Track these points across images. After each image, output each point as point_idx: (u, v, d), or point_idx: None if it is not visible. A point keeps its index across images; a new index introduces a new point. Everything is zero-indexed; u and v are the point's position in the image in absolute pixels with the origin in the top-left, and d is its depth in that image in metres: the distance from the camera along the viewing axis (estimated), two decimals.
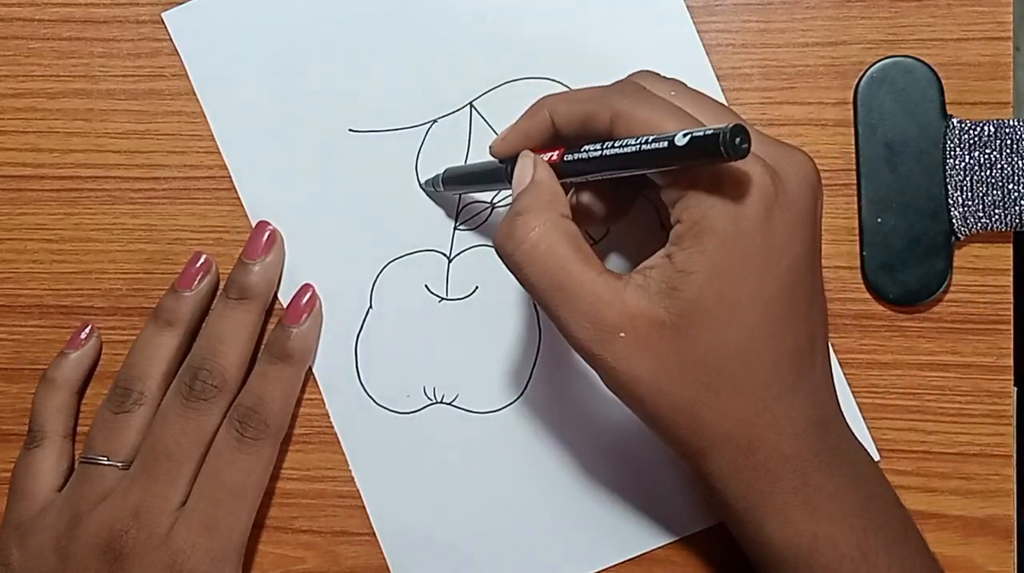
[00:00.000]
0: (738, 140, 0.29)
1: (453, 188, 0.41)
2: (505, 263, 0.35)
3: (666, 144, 0.31)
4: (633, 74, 0.37)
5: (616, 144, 0.33)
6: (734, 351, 0.33)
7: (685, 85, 0.36)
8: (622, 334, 0.33)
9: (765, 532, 0.34)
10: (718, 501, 0.35)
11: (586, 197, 0.38)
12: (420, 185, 0.42)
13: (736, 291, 0.32)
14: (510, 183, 0.37)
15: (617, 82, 0.36)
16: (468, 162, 0.42)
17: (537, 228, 0.34)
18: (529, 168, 0.35)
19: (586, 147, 0.35)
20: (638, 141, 0.32)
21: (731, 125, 0.29)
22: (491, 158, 0.39)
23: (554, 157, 0.36)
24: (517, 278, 0.34)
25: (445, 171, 0.41)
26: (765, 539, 0.35)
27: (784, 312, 0.33)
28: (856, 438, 0.36)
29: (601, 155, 0.34)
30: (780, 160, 0.33)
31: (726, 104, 0.39)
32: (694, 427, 0.34)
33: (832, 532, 0.34)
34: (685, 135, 0.31)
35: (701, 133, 0.30)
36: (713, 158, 0.30)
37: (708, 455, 0.34)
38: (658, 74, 0.37)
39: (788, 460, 0.34)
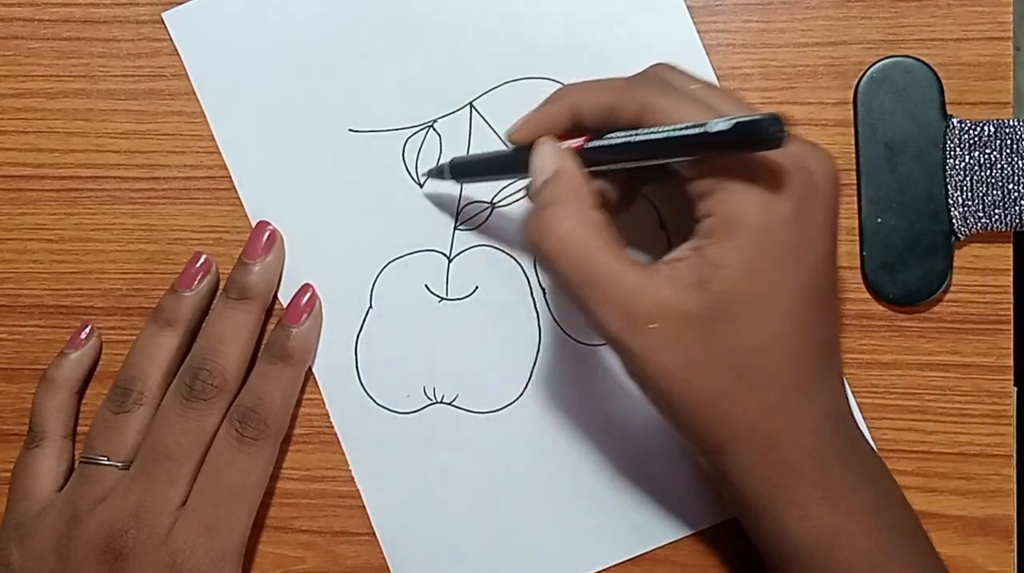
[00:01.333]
0: (777, 128, 0.29)
1: (464, 178, 0.41)
2: (535, 255, 0.34)
3: (702, 131, 0.31)
4: (653, 67, 0.37)
5: (648, 131, 0.33)
6: (762, 345, 0.33)
7: (703, 80, 0.36)
8: (653, 325, 0.33)
9: (784, 526, 0.34)
10: (736, 496, 0.35)
11: (598, 186, 0.37)
12: (416, 180, 0.42)
13: (767, 286, 0.32)
14: (526, 172, 0.36)
15: (640, 74, 0.36)
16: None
17: (567, 221, 0.34)
18: (550, 156, 0.35)
19: (613, 135, 0.34)
20: (671, 128, 0.32)
21: (770, 113, 0.29)
22: (503, 147, 0.39)
23: (578, 144, 0.35)
24: (546, 270, 0.35)
25: (452, 160, 0.41)
26: (783, 533, 0.34)
27: (812, 307, 0.33)
28: (864, 435, 0.36)
29: (630, 142, 0.33)
30: (806, 156, 0.33)
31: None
32: (718, 421, 0.34)
33: (851, 528, 0.34)
34: (729, 120, 0.30)
35: (745, 119, 0.30)
36: (751, 146, 0.30)
37: (730, 450, 0.34)
38: (677, 67, 0.36)
39: (809, 454, 0.34)
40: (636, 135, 0.33)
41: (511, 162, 0.38)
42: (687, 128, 0.32)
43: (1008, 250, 0.41)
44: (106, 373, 0.44)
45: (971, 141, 0.40)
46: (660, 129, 0.32)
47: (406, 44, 0.43)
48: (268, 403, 0.40)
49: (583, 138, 0.35)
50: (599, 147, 0.34)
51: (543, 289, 0.42)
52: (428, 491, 0.43)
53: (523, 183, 0.42)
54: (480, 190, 0.42)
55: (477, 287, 0.43)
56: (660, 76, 0.35)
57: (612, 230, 0.34)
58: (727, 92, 0.35)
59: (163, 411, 0.40)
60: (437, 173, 0.41)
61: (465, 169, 0.40)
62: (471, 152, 0.42)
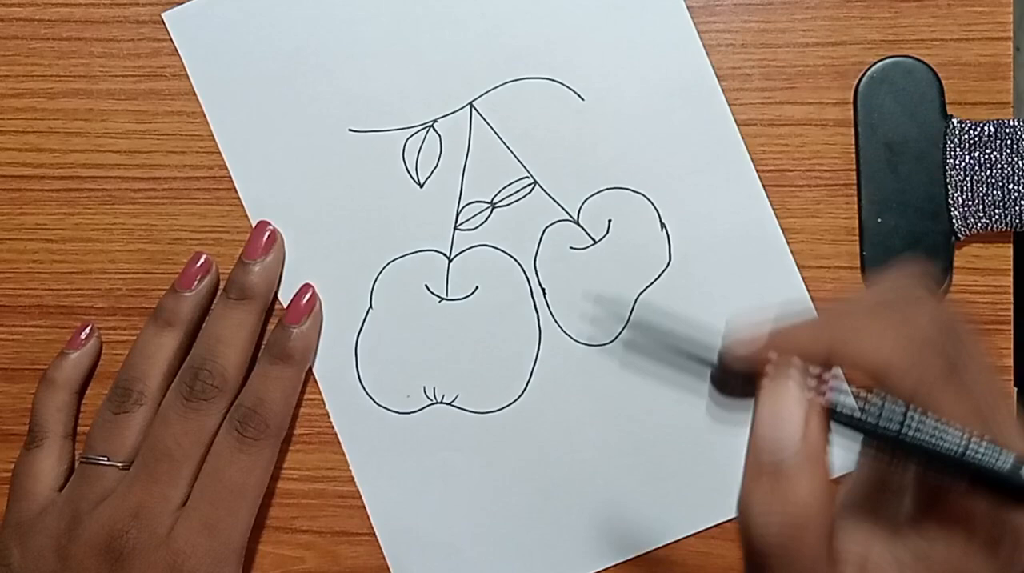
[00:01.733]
0: None
1: (638, 338, 0.29)
2: (744, 524, 0.27)
3: (1004, 469, 0.25)
4: (942, 313, 0.28)
5: (925, 434, 0.26)
6: None
7: (983, 357, 0.28)
8: None
9: None
10: None
11: None
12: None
13: None
14: (713, 384, 0.29)
15: (932, 329, 0.27)
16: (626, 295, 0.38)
17: (809, 515, 0.26)
18: (800, 413, 0.27)
19: (875, 409, 0.26)
20: (964, 446, 0.26)
21: None
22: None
23: (823, 403, 0.27)
24: (749, 545, 0.27)
25: (636, 313, 0.31)
26: None
27: None
28: None
29: (897, 436, 0.26)
30: None
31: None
32: None
33: None
34: None
35: None
36: None
37: None
38: (963, 326, 0.28)
39: None
40: (909, 430, 0.26)
41: (700, 362, 0.29)
42: (985, 460, 0.25)
43: (1008, 250, 0.41)
44: (106, 373, 0.44)
45: (971, 141, 0.40)
46: (944, 439, 0.26)
47: (406, 44, 0.43)
48: (268, 403, 0.40)
49: (824, 395, 0.27)
50: (856, 423, 0.27)
51: (543, 289, 0.42)
52: (428, 491, 0.43)
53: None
54: (480, 189, 0.42)
55: (477, 287, 0.43)
56: (950, 341, 0.27)
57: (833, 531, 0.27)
58: (1007, 399, 0.28)
59: (163, 411, 0.40)
60: (611, 308, 0.33)
61: (650, 335, 0.29)
62: (469, 156, 0.42)
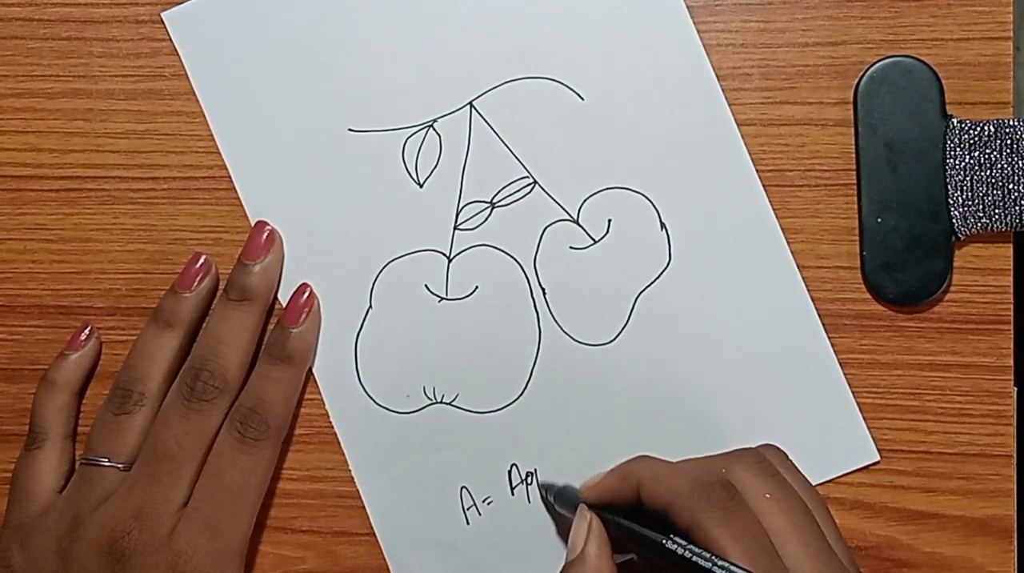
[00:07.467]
0: None
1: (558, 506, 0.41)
2: None
3: None
4: (747, 454, 0.36)
5: (692, 551, 0.32)
6: None
7: (788, 483, 0.35)
8: None
9: None
10: None
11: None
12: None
13: None
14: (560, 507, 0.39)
15: (719, 466, 0.36)
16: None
17: None
18: (582, 536, 0.36)
19: (648, 533, 0.34)
20: (711, 563, 0.32)
21: None
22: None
23: (597, 527, 0.36)
24: None
25: (563, 488, 0.41)
26: None
27: None
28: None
29: (664, 547, 0.33)
30: None
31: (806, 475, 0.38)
32: None
33: None
34: None
35: None
36: None
37: None
38: (771, 456, 0.36)
39: None
40: (680, 547, 0.33)
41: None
42: None
43: (1008, 250, 0.41)
44: (106, 373, 0.44)
45: (971, 141, 0.40)
46: (702, 557, 0.32)
47: (406, 44, 0.43)
48: (269, 404, 0.40)
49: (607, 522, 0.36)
50: (635, 538, 0.34)
51: (543, 289, 0.42)
52: (428, 491, 0.43)
53: (524, 184, 0.42)
54: (479, 189, 0.42)
55: (477, 287, 0.43)
56: (732, 486, 0.34)
57: None
58: (800, 507, 0.34)
59: (164, 412, 0.40)
60: (550, 492, 0.42)
61: (559, 500, 0.41)
62: (469, 156, 0.42)
